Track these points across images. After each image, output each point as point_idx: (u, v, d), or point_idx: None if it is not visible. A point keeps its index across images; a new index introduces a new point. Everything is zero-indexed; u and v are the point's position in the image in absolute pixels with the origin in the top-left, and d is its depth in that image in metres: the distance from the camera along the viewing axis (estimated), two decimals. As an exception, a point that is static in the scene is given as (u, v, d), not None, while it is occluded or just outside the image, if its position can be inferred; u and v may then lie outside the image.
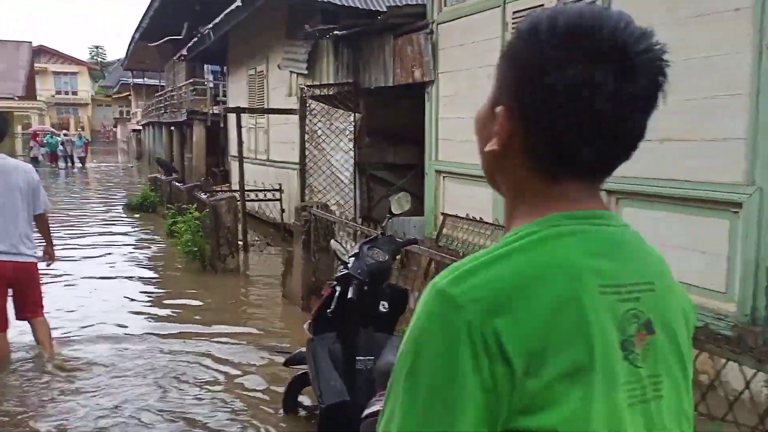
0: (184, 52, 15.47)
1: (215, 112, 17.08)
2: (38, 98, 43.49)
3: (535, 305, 0.68)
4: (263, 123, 11.36)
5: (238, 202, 7.94)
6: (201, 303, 6.56)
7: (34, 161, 31.00)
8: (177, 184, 11.29)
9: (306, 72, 9.25)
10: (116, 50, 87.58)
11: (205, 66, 20.06)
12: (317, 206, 6.19)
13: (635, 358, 0.73)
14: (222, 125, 16.88)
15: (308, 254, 6.02)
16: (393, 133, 9.70)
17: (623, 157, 0.77)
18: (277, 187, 9.99)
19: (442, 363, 0.67)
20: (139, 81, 37.57)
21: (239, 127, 8.84)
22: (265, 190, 9.91)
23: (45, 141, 31.08)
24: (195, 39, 13.47)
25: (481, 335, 0.66)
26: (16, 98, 36.57)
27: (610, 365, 0.70)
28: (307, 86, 9.01)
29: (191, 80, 17.64)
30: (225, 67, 18.27)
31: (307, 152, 9.07)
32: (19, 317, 4.68)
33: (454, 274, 0.71)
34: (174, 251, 8.88)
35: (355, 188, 8.53)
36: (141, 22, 20.85)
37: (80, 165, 30.46)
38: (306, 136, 9.04)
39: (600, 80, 0.70)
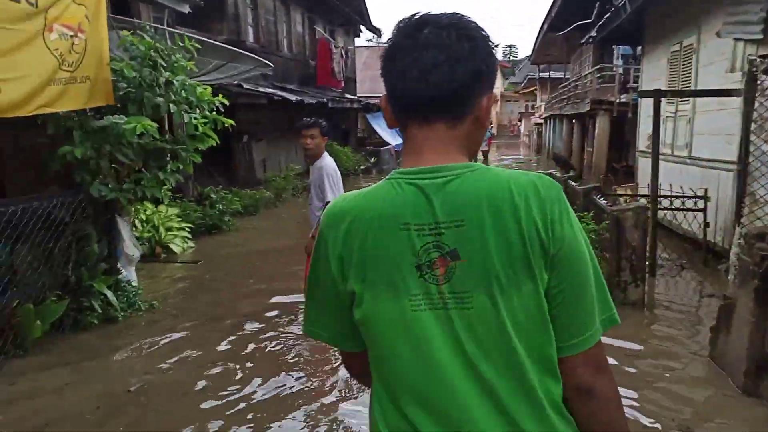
0: (593, 33, 13.82)
1: (622, 100, 15.00)
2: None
3: (347, 229, 1.09)
4: (685, 110, 8.97)
5: (649, 215, 6.00)
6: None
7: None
8: (573, 183, 9.80)
9: (761, 37, 6.65)
10: (527, 49, 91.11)
11: (615, 50, 18.02)
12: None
13: (431, 277, 1.03)
14: (630, 114, 14.71)
15: (762, 310, 3.84)
16: None
17: (447, 104, 1.08)
18: (701, 193, 7.60)
19: (317, 250, 1.15)
20: (545, 75, 37.34)
21: (656, 115, 6.82)
22: (683, 197, 7.64)
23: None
24: (606, 16, 11.68)
25: (325, 239, 1.13)
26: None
27: (394, 280, 1.04)
28: (761, 57, 6.43)
29: (598, 66, 15.87)
30: (639, 47, 15.97)
31: (752, 148, 6.52)
32: None
33: (336, 200, 1.19)
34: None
35: (831, 202, 5.68)
36: (549, 11, 19.99)
37: (482, 158, 31.68)
38: (753, 126, 6.48)
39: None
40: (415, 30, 1.09)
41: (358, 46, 31.74)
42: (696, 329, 5.40)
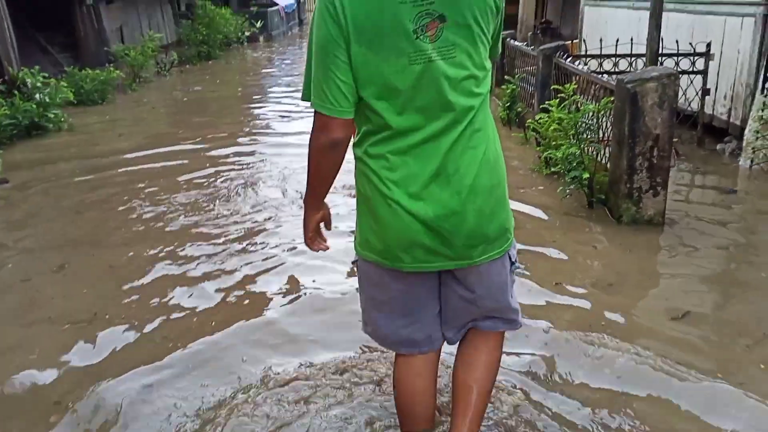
0: None
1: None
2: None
3: (357, 1, 1.40)
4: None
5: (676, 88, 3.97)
6: (599, 289, 3.11)
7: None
8: (516, 43, 7.64)
9: None
10: None
11: None
12: None
13: (424, 38, 1.41)
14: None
15: None
16: None
17: None
18: (701, 49, 5.68)
19: (318, 18, 1.44)
20: None
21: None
22: (679, 54, 5.69)
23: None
24: None
25: (333, 6, 1.41)
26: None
27: (395, 43, 1.41)
28: None
29: None
30: None
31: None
32: None
33: None
34: (525, 164, 5.41)
35: None
36: None
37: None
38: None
39: None
40: None
41: None
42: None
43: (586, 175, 4.10)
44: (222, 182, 5.26)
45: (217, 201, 4.80)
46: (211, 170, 5.61)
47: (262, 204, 4.73)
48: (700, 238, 3.86)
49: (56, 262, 3.85)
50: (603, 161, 4.36)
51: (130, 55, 10.38)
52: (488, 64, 1.56)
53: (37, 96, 7.03)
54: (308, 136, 1.58)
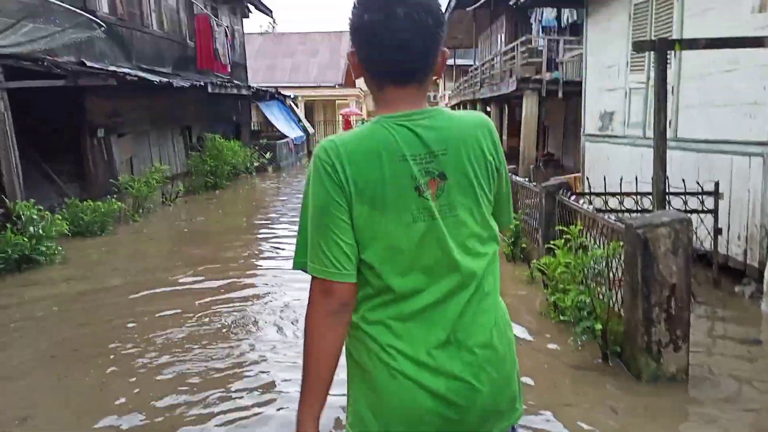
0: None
1: (549, 78, 13.08)
2: (356, 86, 44.99)
3: (357, 160, 1.33)
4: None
5: (691, 234, 3.73)
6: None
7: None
8: (517, 178, 7.58)
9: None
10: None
11: (534, 24, 16.19)
12: None
13: (427, 195, 1.34)
14: (560, 94, 12.83)
15: None
16: None
17: (420, 71, 1.38)
18: (709, 188, 5.53)
19: (315, 179, 1.35)
20: (449, 62, 35.56)
21: (662, 76, 4.61)
22: (686, 194, 5.53)
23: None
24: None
25: (332, 167, 1.33)
26: (337, 86, 37.77)
27: (398, 201, 1.33)
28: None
29: (522, 39, 13.85)
30: (565, 17, 14.23)
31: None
32: None
33: (329, 138, 1.38)
34: (533, 306, 5.08)
35: None
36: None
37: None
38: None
39: (377, 21, 1.33)
40: (387, 5, 1.33)
41: (250, 33, 28.53)
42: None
43: (599, 326, 3.76)
44: (213, 321, 4.96)
45: (206, 343, 4.47)
46: (204, 306, 5.35)
47: (254, 345, 4.41)
48: (729, 399, 3.45)
49: (20, 414, 3.51)
50: (616, 308, 4.04)
51: (134, 187, 10.42)
52: (494, 223, 1.46)
53: (31, 229, 6.89)
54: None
